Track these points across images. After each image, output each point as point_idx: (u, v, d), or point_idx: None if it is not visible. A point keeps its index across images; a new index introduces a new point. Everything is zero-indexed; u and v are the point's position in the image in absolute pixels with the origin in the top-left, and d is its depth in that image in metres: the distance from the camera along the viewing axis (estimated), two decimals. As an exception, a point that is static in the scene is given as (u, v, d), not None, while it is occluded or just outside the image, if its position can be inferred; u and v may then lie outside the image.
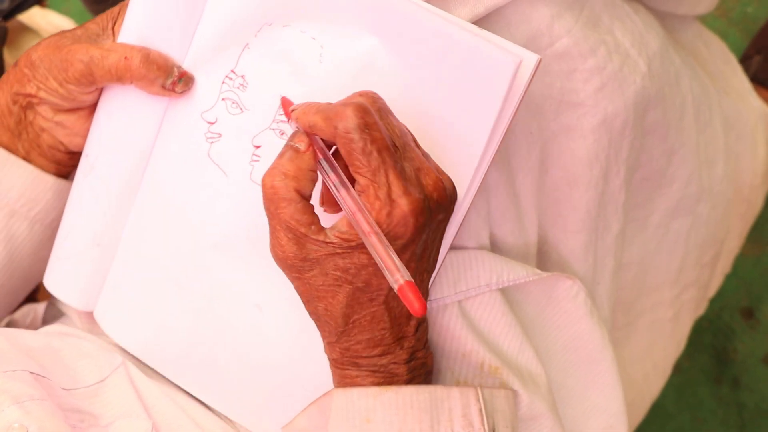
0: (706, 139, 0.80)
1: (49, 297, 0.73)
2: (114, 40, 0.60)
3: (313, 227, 0.48)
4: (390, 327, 0.52)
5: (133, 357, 0.66)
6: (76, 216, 0.64)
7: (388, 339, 0.52)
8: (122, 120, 0.61)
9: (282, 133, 0.58)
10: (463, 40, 0.51)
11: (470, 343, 0.59)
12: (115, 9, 0.61)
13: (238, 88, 0.58)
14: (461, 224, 0.56)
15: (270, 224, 0.50)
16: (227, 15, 0.57)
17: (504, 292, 0.62)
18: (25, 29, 1.05)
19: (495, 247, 0.64)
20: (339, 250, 0.48)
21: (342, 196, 0.48)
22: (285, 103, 0.56)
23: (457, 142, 0.53)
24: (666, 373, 0.93)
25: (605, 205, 0.68)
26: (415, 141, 0.50)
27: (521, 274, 0.61)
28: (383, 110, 0.49)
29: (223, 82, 0.58)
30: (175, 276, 0.63)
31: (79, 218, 0.64)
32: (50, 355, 0.61)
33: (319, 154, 0.49)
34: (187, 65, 0.59)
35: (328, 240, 0.48)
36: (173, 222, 0.62)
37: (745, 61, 1.21)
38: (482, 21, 0.58)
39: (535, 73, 0.51)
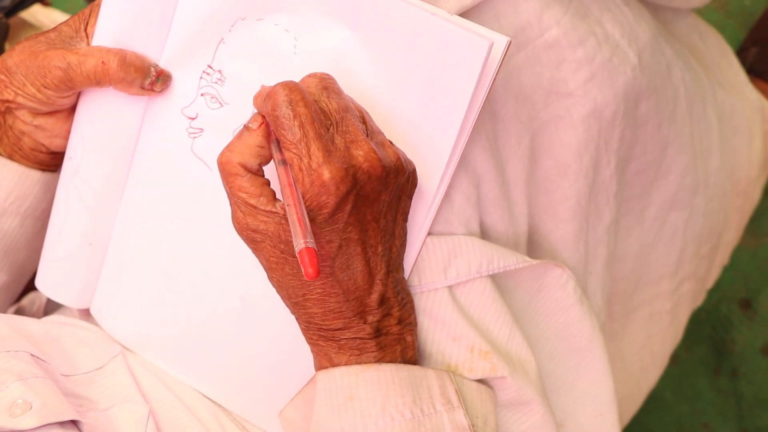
0: (701, 131, 0.80)
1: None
2: (88, 42, 0.60)
3: (262, 199, 0.50)
4: (344, 300, 0.53)
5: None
6: (63, 219, 0.64)
7: (346, 313, 0.53)
8: (103, 121, 0.61)
9: None
10: (435, 26, 0.52)
11: (460, 327, 0.59)
12: (86, 10, 0.61)
13: (216, 83, 0.58)
14: (449, 209, 0.56)
15: (228, 197, 0.52)
16: (200, 10, 0.57)
17: (494, 279, 0.62)
18: (27, 26, 1.05)
19: (485, 234, 0.64)
20: (283, 221, 0.50)
21: (279, 172, 0.50)
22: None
23: (432, 126, 0.54)
24: (663, 363, 0.93)
25: (596, 194, 0.68)
26: (363, 118, 0.52)
27: (511, 261, 0.61)
28: (329, 89, 0.51)
29: (201, 78, 0.59)
30: (165, 269, 0.64)
31: (68, 221, 0.64)
32: (50, 341, 0.62)
33: (273, 134, 0.51)
34: (164, 63, 0.59)
35: (274, 210, 0.50)
36: (161, 216, 0.63)
37: (741, 53, 1.21)
38: (471, 12, 0.58)
39: (505, 54, 0.52)
